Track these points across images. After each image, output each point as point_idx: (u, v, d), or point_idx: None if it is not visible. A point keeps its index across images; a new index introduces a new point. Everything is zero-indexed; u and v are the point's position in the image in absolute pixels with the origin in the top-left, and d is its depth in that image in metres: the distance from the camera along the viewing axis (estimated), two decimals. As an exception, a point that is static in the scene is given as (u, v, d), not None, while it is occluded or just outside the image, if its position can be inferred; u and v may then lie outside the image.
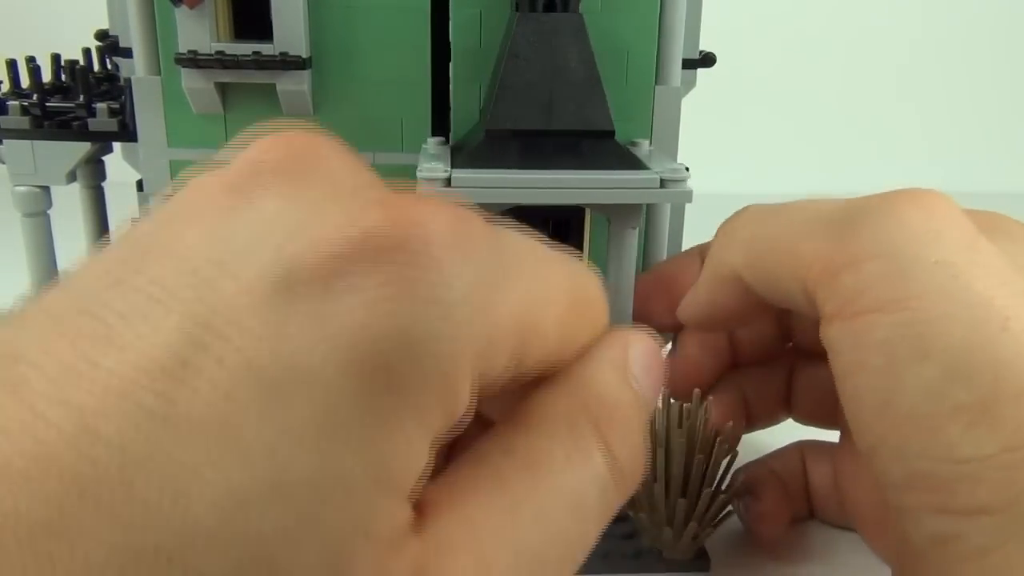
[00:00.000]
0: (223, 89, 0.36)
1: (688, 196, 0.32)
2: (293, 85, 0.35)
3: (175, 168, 0.37)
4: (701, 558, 0.33)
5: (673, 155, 0.38)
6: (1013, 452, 0.20)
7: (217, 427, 0.13)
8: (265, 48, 0.34)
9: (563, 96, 0.33)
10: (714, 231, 0.31)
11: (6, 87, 0.41)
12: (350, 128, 0.37)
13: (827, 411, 0.33)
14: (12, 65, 0.41)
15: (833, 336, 0.23)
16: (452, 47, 0.36)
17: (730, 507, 0.33)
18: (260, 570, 0.13)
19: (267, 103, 0.36)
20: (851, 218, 0.24)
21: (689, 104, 0.40)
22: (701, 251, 0.34)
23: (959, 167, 1.02)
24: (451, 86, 0.36)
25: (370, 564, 0.14)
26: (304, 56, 0.35)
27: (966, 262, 0.22)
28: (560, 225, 0.38)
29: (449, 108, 0.36)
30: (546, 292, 0.17)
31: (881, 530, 0.30)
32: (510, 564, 0.16)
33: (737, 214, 0.29)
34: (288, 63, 0.34)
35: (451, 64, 0.36)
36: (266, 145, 0.17)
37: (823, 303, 0.24)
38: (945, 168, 1.02)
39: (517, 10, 0.33)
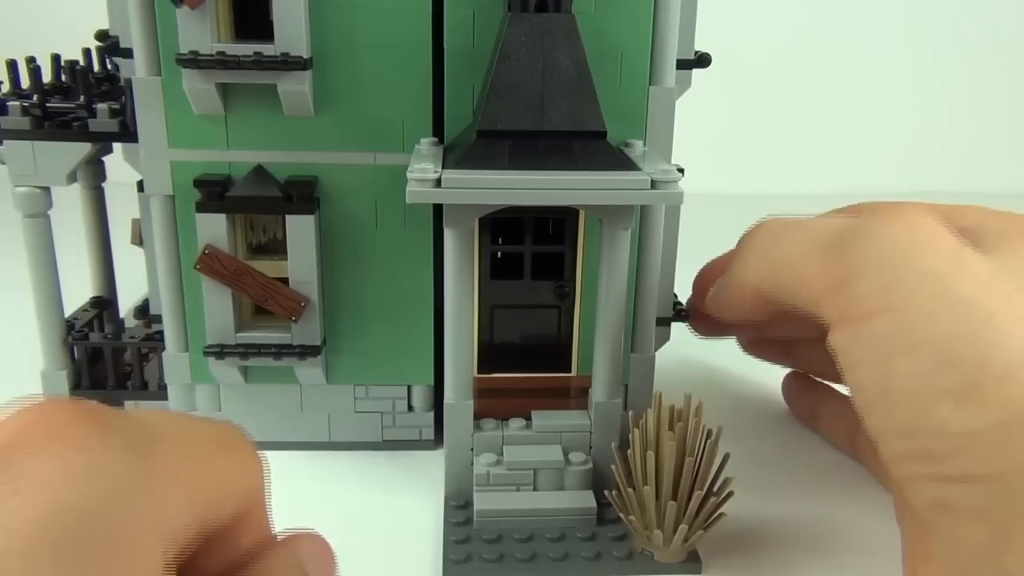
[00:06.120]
0: (224, 89, 0.36)
1: (679, 197, 0.32)
2: (294, 85, 0.35)
3: (176, 168, 0.37)
4: (693, 560, 0.34)
5: (667, 155, 0.38)
6: (1001, 427, 0.23)
7: None
8: (266, 48, 0.35)
9: (555, 97, 0.33)
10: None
11: (6, 87, 0.41)
12: (350, 128, 0.37)
13: None
14: (12, 65, 0.41)
15: (837, 341, 0.27)
16: (445, 48, 0.36)
17: (721, 509, 0.33)
18: None
19: (268, 103, 0.36)
20: (844, 240, 0.27)
21: (686, 104, 0.40)
22: None
23: (957, 167, 1.03)
24: (445, 87, 0.37)
25: None
26: (305, 56, 0.35)
27: (951, 270, 0.25)
28: (552, 226, 0.39)
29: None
30: (199, 454, 0.18)
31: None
32: None
33: (753, 230, 0.34)
34: (289, 63, 0.35)
35: (444, 65, 0.36)
36: None
37: (827, 315, 0.27)
38: (943, 167, 1.03)
39: (509, 11, 0.33)
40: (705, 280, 0.41)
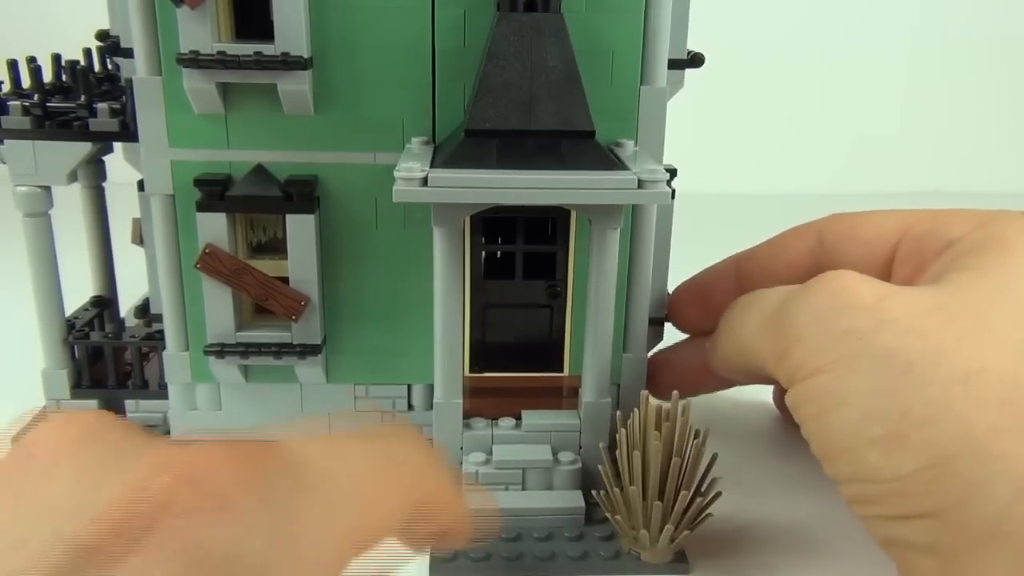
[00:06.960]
0: (224, 89, 0.36)
1: (665, 197, 0.32)
2: (294, 85, 0.35)
3: (176, 168, 0.38)
4: (680, 560, 0.34)
5: (659, 155, 0.38)
6: (929, 469, 0.24)
7: None
8: (266, 48, 0.35)
9: (543, 96, 0.33)
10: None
11: (7, 87, 0.41)
12: (350, 128, 0.37)
13: None
14: (13, 65, 0.41)
15: (788, 401, 0.30)
16: (436, 47, 0.36)
17: (709, 510, 0.33)
18: None
19: (268, 103, 0.36)
20: (778, 317, 0.30)
21: (680, 103, 0.40)
22: (736, 261, 0.42)
23: (957, 166, 1.03)
24: (435, 86, 0.37)
25: None
26: (305, 56, 0.35)
27: (871, 324, 0.27)
28: (544, 226, 0.39)
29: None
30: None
31: None
32: None
33: (730, 306, 0.36)
34: (289, 63, 0.35)
35: (435, 64, 0.36)
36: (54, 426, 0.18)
37: (781, 380, 0.30)
38: (942, 167, 1.03)
39: (499, 10, 0.33)
40: (679, 301, 0.44)
